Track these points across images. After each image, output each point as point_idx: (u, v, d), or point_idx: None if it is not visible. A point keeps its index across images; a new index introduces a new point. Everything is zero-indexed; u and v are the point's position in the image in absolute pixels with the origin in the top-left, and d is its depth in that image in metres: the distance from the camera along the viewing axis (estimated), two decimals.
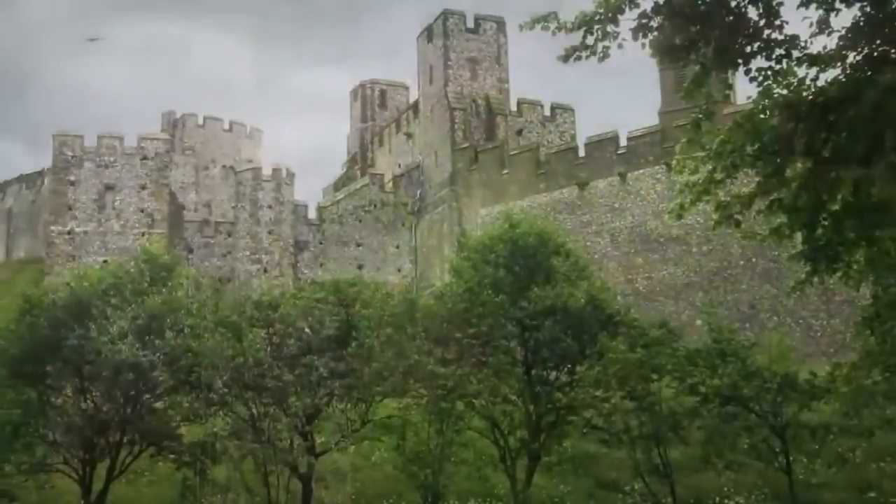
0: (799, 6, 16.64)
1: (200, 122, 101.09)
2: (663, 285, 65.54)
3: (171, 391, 42.86)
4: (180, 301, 42.62)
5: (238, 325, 41.48)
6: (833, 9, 16.60)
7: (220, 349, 40.27)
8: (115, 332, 39.90)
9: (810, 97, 17.03)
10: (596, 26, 17.37)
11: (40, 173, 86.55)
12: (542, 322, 43.19)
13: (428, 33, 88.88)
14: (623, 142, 71.32)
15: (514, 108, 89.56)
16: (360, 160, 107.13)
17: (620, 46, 17.67)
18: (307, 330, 42.24)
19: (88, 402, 43.03)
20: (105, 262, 41.82)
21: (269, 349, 41.93)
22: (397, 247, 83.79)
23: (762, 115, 17.89)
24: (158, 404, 44.22)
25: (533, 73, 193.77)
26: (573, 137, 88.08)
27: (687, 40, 17.51)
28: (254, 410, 41.61)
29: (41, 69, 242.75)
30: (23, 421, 40.63)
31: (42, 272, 61.62)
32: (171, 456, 44.32)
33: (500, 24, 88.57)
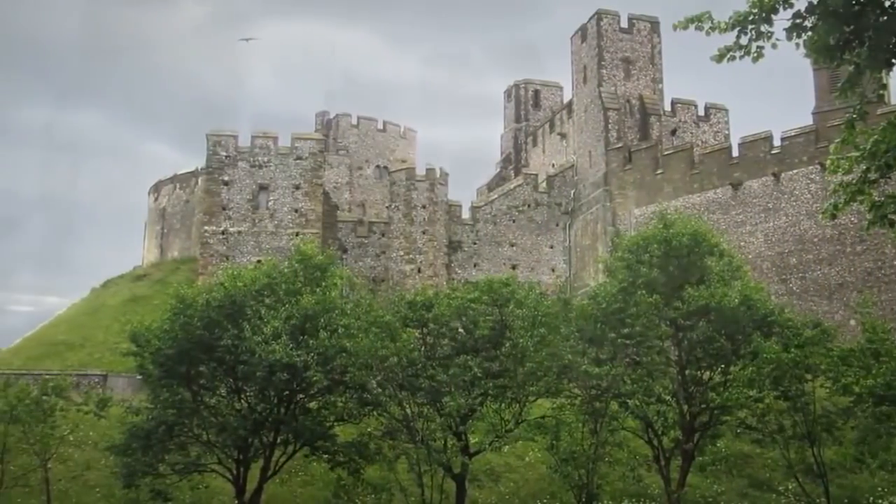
0: None
1: (354, 122, 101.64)
2: (817, 285, 64.55)
3: (324, 391, 42.99)
4: (334, 301, 42.77)
5: (392, 325, 41.66)
6: None
7: (373, 349, 40.45)
8: (269, 332, 40.12)
9: None
10: (750, 26, 17.24)
11: (194, 173, 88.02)
12: (695, 322, 42.77)
13: (582, 33, 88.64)
14: (777, 142, 70.43)
15: (667, 107, 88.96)
16: (513, 160, 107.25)
17: (774, 46, 17.51)
18: (461, 330, 42.38)
19: (242, 402, 43.35)
20: (259, 262, 42.17)
21: (422, 349, 42.12)
22: (551, 247, 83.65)
23: None
24: (312, 404, 44.31)
25: (683, 72, 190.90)
26: (727, 137, 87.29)
27: (841, 40, 17.26)
28: (408, 410, 41.73)
29: (196, 69, 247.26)
30: (177, 421, 40.93)
31: (196, 272, 62.46)
32: (325, 456, 44.49)
33: (654, 23, 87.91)
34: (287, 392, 42.68)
